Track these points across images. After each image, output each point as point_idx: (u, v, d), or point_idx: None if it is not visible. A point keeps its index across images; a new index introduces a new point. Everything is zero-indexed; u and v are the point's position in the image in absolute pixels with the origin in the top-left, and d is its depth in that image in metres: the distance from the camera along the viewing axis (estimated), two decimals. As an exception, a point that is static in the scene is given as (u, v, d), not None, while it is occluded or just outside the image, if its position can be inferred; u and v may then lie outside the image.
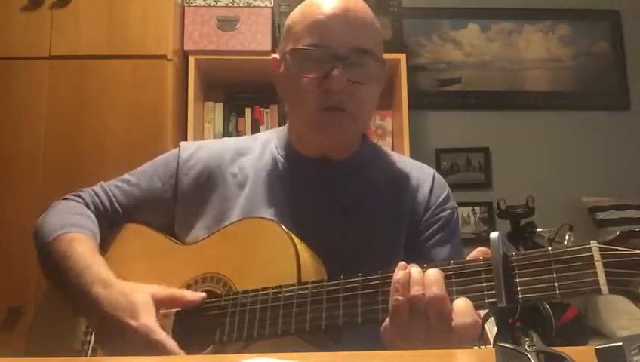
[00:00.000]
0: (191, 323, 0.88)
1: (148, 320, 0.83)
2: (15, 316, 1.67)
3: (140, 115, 2.06)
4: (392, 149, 2.41)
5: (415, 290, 0.70)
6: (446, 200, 1.06)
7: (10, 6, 2.11)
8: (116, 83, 2.08)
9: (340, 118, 0.96)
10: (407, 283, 0.71)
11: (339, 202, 1.02)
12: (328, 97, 0.94)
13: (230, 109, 2.45)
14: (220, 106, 2.44)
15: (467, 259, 0.75)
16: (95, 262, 0.91)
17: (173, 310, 0.89)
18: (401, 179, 1.06)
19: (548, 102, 2.83)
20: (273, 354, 0.66)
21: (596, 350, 0.55)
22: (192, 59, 2.29)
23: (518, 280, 0.68)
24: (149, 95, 2.07)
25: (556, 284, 0.67)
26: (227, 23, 2.30)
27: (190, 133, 2.22)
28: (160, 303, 0.87)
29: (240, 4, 2.33)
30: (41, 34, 2.09)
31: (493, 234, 0.70)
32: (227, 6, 2.34)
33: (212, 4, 2.34)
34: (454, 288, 0.72)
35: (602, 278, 0.64)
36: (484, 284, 0.70)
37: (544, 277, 0.67)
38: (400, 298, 0.71)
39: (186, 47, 2.29)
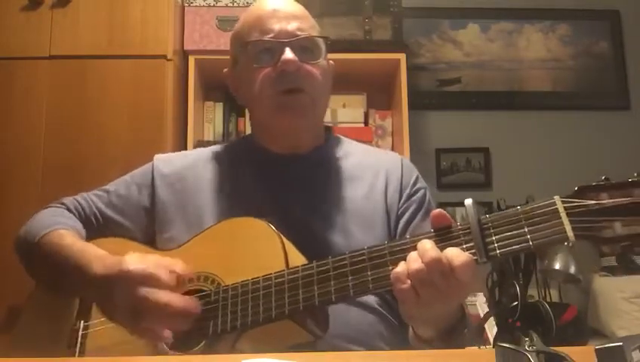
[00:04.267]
0: None
1: (136, 260, 0.86)
2: (15, 316, 1.67)
3: (140, 115, 2.05)
4: (392, 149, 2.41)
5: (414, 267, 0.74)
6: (416, 181, 1.11)
7: (10, 6, 2.10)
8: (116, 83, 2.07)
9: (298, 99, 1.03)
10: (406, 273, 0.74)
11: (313, 196, 1.05)
12: (284, 80, 1.01)
13: (230, 109, 2.44)
14: (219, 106, 2.44)
15: (431, 224, 0.79)
16: (89, 246, 0.95)
17: None
18: (371, 168, 1.10)
19: (548, 102, 2.83)
20: (273, 355, 0.66)
21: (596, 350, 0.55)
22: (192, 59, 2.28)
23: (494, 238, 0.75)
24: (149, 95, 2.07)
25: (528, 236, 0.73)
26: (227, 23, 2.30)
27: (190, 133, 2.22)
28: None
29: (240, 4, 2.33)
30: (41, 34, 2.09)
31: (468, 201, 0.78)
32: (227, 6, 2.34)
33: (212, 4, 2.34)
34: None
35: (567, 226, 0.71)
36: (464, 246, 0.76)
37: (517, 231, 0.74)
38: (404, 286, 0.74)
39: (186, 47, 2.29)
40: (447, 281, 0.73)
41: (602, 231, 0.70)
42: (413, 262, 0.74)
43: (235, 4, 2.34)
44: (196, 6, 2.33)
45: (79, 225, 1.06)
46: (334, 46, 2.27)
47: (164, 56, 2.11)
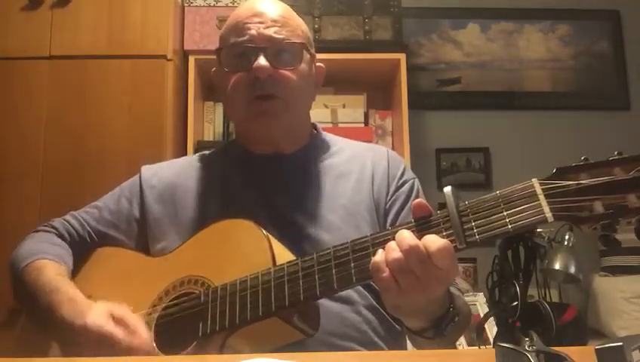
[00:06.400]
0: (173, 325, 0.89)
1: (96, 318, 0.86)
2: (16, 316, 1.67)
3: (140, 115, 2.06)
4: (392, 149, 2.41)
5: (393, 256, 0.73)
6: (403, 173, 1.12)
7: (10, 6, 2.11)
8: (116, 83, 2.08)
9: (271, 105, 1.03)
10: (384, 261, 0.74)
11: (299, 195, 1.05)
12: (256, 86, 1.01)
13: (230, 109, 2.44)
14: (220, 106, 2.44)
15: (412, 214, 0.79)
16: (63, 285, 0.95)
17: (154, 314, 0.91)
18: (358, 163, 1.11)
19: (548, 102, 2.83)
20: (273, 355, 0.66)
21: (596, 350, 0.55)
22: (192, 59, 2.28)
23: (473, 223, 0.75)
24: (149, 95, 2.07)
25: (507, 220, 0.73)
26: (227, 23, 2.30)
27: (190, 133, 2.22)
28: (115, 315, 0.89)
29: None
30: (41, 34, 2.09)
31: (447, 188, 0.77)
32: (227, 6, 2.34)
33: (212, 4, 2.34)
34: None
35: (546, 208, 0.71)
36: (444, 233, 0.76)
37: (496, 216, 0.74)
38: (384, 274, 0.74)
39: (186, 47, 2.29)
40: (426, 268, 0.72)
41: (582, 210, 0.70)
42: (392, 251, 0.74)
43: (235, 4, 2.34)
44: (196, 6, 2.33)
45: (66, 251, 1.06)
46: (334, 46, 2.30)
47: (164, 56, 2.11)
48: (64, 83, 2.07)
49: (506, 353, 0.59)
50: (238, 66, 1.04)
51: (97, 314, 0.88)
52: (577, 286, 2.43)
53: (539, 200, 0.72)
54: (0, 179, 2.00)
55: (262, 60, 1.00)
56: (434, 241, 0.73)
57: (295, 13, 1.12)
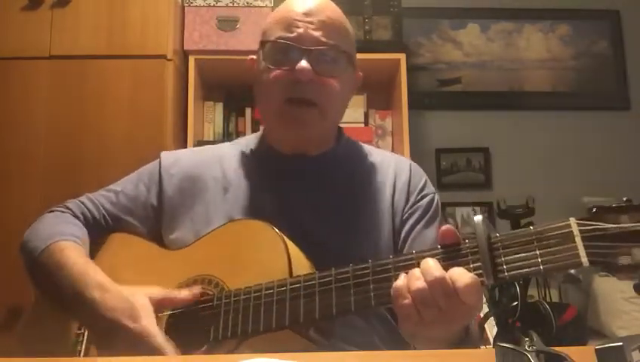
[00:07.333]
0: (184, 325, 0.88)
1: (147, 322, 0.83)
2: (15, 316, 1.68)
3: (140, 115, 2.06)
4: (392, 149, 2.41)
5: (417, 286, 0.71)
6: (424, 186, 1.10)
7: (10, 6, 2.11)
8: (116, 83, 2.08)
9: (306, 111, 1.00)
10: (407, 288, 0.72)
11: (318, 198, 1.03)
12: (295, 88, 0.98)
13: (230, 109, 2.45)
14: (219, 106, 2.44)
15: (438, 241, 0.76)
16: (90, 269, 0.92)
17: (166, 313, 0.89)
18: (379, 173, 1.09)
19: (548, 102, 2.83)
20: (273, 354, 0.66)
21: (596, 350, 0.55)
22: (192, 59, 2.29)
23: (503, 259, 0.71)
24: (149, 95, 2.07)
25: (539, 260, 0.70)
26: (227, 23, 2.30)
27: (190, 133, 2.22)
28: (158, 304, 0.87)
29: (240, 4, 2.33)
30: (41, 34, 2.09)
31: (478, 218, 0.73)
32: (227, 6, 2.34)
33: (212, 4, 2.34)
34: None
35: (582, 251, 0.67)
36: (472, 266, 0.72)
37: (528, 254, 0.70)
38: (405, 301, 0.71)
39: (186, 47, 2.29)
40: (451, 302, 0.70)
41: (619, 257, 0.66)
42: (416, 280, 0.71)
43: (235, 4, 2.34)
44: (196, 6, 2.33)
45: (83, 232, 1.03)
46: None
47: (164, 56, 2.11)
48: (64, 83, 2.07)
49: (506, 353, 0.59)
50: (280, 63, 1.00)
51: (150, 319, 0.84)
52: (577, 286, 2.43)
53: (575, 242, 0.68)
54: (0, 178, 2.00)
55: (304, 63, 0.97)
56: (461, 275, 0.70)
57: (345, 17, 1.07)
